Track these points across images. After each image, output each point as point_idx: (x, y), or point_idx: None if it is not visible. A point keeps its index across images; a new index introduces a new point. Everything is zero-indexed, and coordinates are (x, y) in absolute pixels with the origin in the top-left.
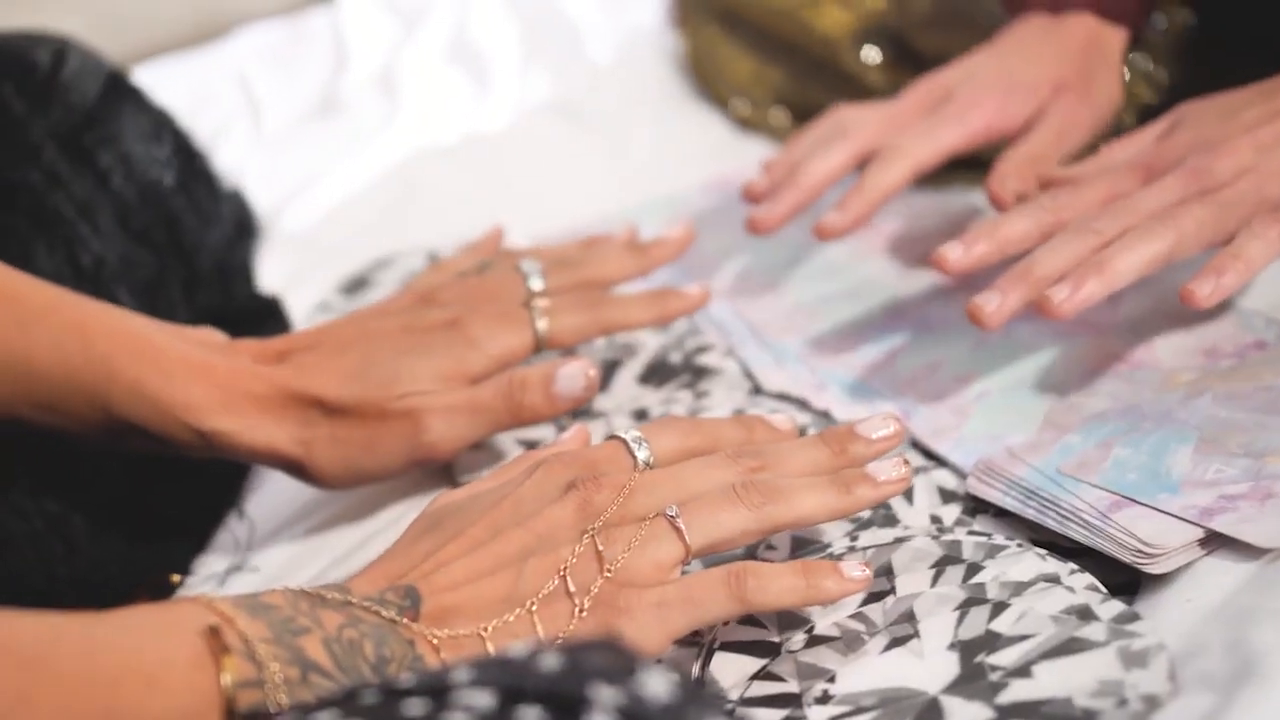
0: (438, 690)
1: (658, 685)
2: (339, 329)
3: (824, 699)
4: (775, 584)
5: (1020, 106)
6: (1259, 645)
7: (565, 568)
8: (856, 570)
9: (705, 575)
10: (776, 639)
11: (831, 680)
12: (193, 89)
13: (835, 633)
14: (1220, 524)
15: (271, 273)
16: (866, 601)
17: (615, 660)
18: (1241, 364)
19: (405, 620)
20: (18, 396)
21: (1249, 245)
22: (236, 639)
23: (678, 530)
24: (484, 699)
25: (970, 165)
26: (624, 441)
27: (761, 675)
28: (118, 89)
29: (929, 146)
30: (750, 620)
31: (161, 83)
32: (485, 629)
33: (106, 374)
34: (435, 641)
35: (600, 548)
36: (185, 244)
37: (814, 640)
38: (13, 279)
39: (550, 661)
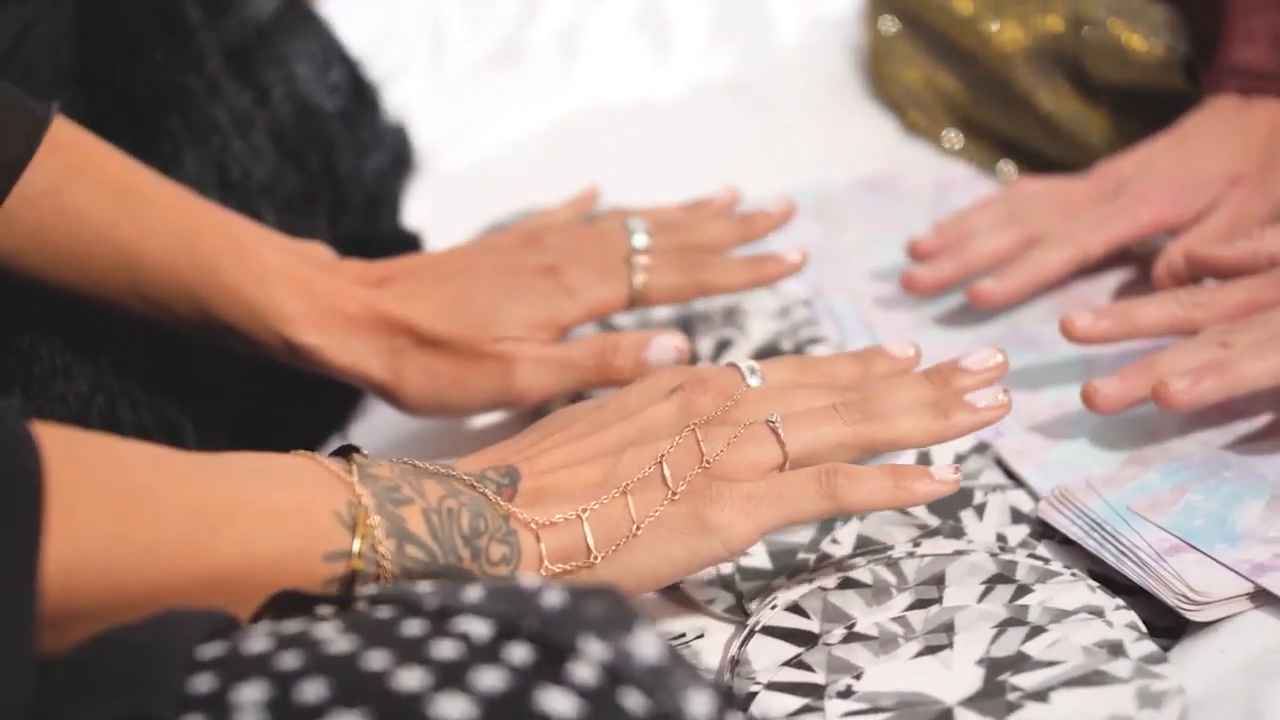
0: (446, 611)
1: (648, 646)
2: (442, 260)
3: (846, 694)
4: (865, 484)
5: (1192, 201)
6: (1272, 705)
7: (663, 456)
8: (948, 472)
9: (797, 473)
10: (817, 630)
11: (858, 677)
12: (381, 22)
13: (874, 632)
14: (1270, 581)
15: (420, 209)
16: (912, 607)
17: (614, 613)
18: None
19: (503, 498)
20: (125, 287)
21: None
22: (343, 504)
23: (777, 435)
24: (480, 629)
25: None
26: (738, 367)
27: (793, 663)
28: (295, 11)
29: (1097, 239)
30: (795, 609)
31: (350, 11)
32: (583, 511)
33: (210, 277)
34: (534, 526)
35: (700, 442)
36: (338, 170)
37: (851, 637)
38: (134, 172)
39: (552, 599)
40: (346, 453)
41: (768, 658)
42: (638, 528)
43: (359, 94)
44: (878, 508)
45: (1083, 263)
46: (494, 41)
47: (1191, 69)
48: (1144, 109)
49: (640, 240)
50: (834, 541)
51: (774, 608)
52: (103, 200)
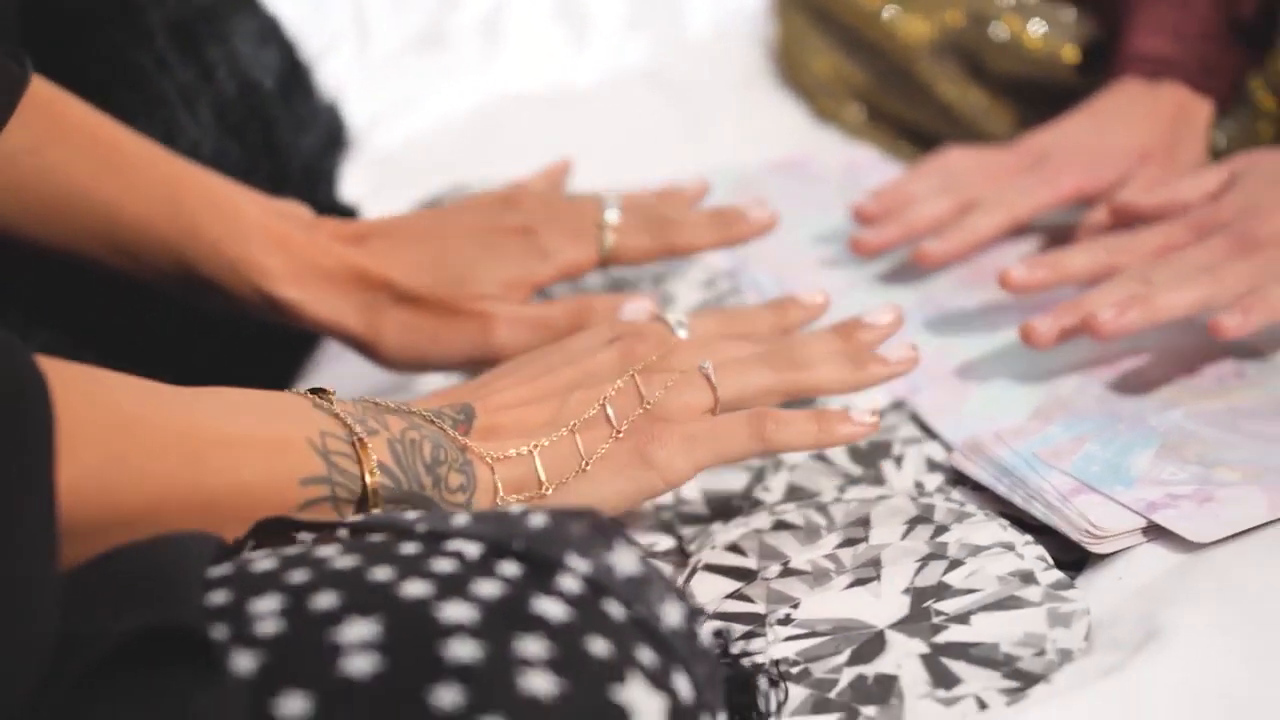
0: (437, 535)
1: (627, 561)
2: (418, 219)
3: (785, 621)
4: (792, 426)
5: (1108, 171)
6: (1166, 621)
7: (606, 398)
8: (866, 415)
9: (731, 416)
10: (754, 567)
11: (795, 607)
12: (307, 5)
13: (808, 568)
14: (1161, 517)
15: (355, 184)
16: (841, 545)
17: (594, 531)
18: (1219, 387)
19: (459, 433)
20: (99, 239)
21: (1276, 294)
22: (317, 434)
23: (709, 381)
24: (471, 549)
25: None
26: (666, 320)
27: (735, 596)
28: None
29: (1025, 204)
30: (734, 549)
31: None
32: (535, 446)
33: (190, 231)
34: (489, 461)
35: (640, 386)
36: (277, 144)
37: (787, 572)
38: (114, 130)
39: (537, 521)
40: (317, 393)
41: (711, 592)
42: (587, 463)
43: (295, 73)
44: (803, 448)
45: (1012, 226)
46: (417, 27)
47: (1085, 63)
48: (1039, 100)
49: (612, 215)
50: (766, 489)
51: (714, 548)
52: (83, 158)
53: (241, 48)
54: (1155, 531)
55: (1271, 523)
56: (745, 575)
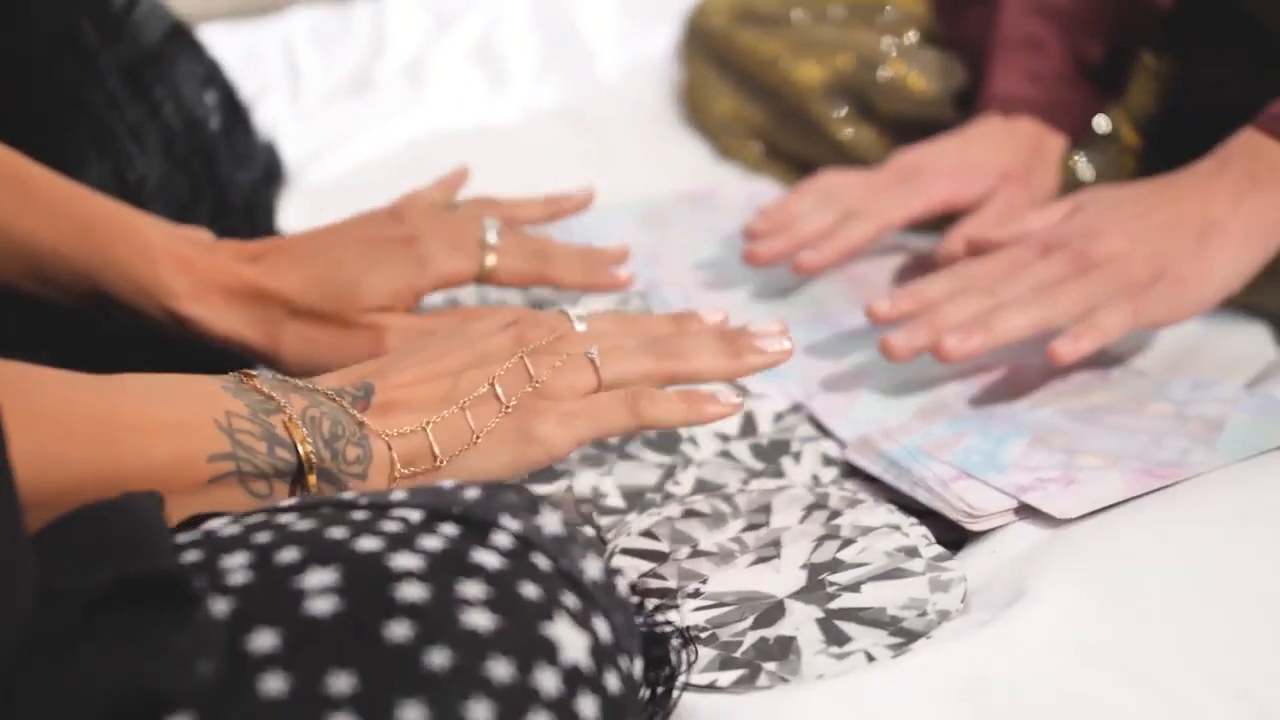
0: (380, 506)
1: (552, 523)
2: (311, 237)
3: (695, 594)
4: (664, 404)
5: (973, 185)
6: (1030, 585)
7: (496, 377)
8: (732, 396)
9: (608, 394)
10: (666, 550)
11: (704, 582)
12: (243, 51)
13: (714, 550)
14: (1030, 497)
15: (293, 217)
16: (745, 530)
17: (523, 499)
18: (1084, 389)
19: (358, 409)
20: (19, 270)
21: (1106, 319)
22: (223, 414)
23: (594, 365)
24: (414, 514)
25: None
26: (567, 314)
27: (649, 575)
28: (179, 37)
29: (897, 212)
30: (647, 534)
31: (217, 41)
32: (427, 423)
33: (100, 257)
34: (385, 437)
35: (528, 366)
36: (218, 178)
37: (696, 554)
38: (30, 169)
39: (471, 492)
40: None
41: (627, 573)
42: (477, 437)
43: (234, 113)
44: (675, 425)
45: (885, 231)
46: (345, 73)
47: (960, 103)
48: (919, 136)
49: (492, 236)
50: (676, 484)
51: (629, 535)
52: (2, 194)
53: (186, 89)
54: (1026, 511)
55: (1125, 501)
56: (658, 557)
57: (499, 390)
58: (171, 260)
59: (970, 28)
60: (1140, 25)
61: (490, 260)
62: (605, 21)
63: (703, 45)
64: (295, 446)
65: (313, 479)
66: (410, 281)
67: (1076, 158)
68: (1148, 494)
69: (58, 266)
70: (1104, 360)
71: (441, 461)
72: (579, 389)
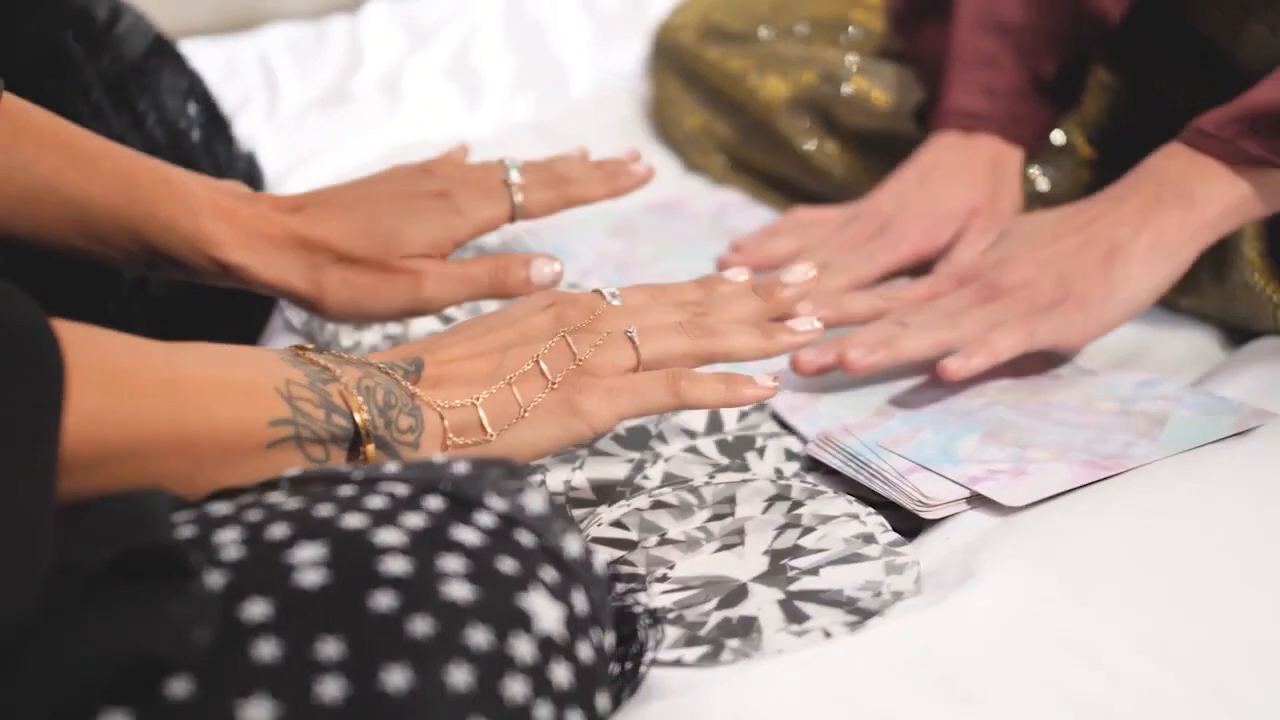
0: (370, 480)
1: (536, 500)
2: (347, 189)
3: (662, 579)
4: (704, 385)
5: (942, 234)
6: (979, 566)
7: (540, 355)
8: (768, 380)
9: (650, 374)
10: (636, 538)
11: (671, 568)
12: (222, 65)
13: (681, 538)
14: (981, 487)
15: None
16: (711, 520)
17: (509, 477)
18: (1036, 387)
19: (409, 382)
20: (72, 228)
21: (998, 339)
22: (283, 382)
23: (633, 343)
24: (401, 489)
25: None
26: (601, 292)
27: (619, 561)
28: (161, 50)
29: (869, 269)
30: (617, 524)
31: (196, 55)
32: (477, 399)
33: (147, 211)
34: (437, 408)
35: (571, 345)
36: None
37: (664, 542)
38: (71, 131)
39: (460, 468)
40: (298, 349)
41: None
42: (524, 411)
43: (215, 125)
44: (713, 405)
45: (858, 287)
46: (323, 86)
47: (919, 117)
48: (881, 149)
49: (514, 175)
50: (645, 478)
51: (600, 525)
52: (48, 155)
53: (168, 101)
54: (978, 500)
55: (1071, 490)
56: (628, 545)
57: (544, 367)
58: (214, 210)
59: (928, 44)
60: (1091, 40)
61: (519, 198)
62: (577, 38)
63: (671, 62)
64: (352, 415)
65: (370, 447)
66: (448, 231)
67: (1033, 170)
68: (1093, 483)
69: (106, 222)
70: (1056, 362)
71: (492, 434)
72: (620, 366)
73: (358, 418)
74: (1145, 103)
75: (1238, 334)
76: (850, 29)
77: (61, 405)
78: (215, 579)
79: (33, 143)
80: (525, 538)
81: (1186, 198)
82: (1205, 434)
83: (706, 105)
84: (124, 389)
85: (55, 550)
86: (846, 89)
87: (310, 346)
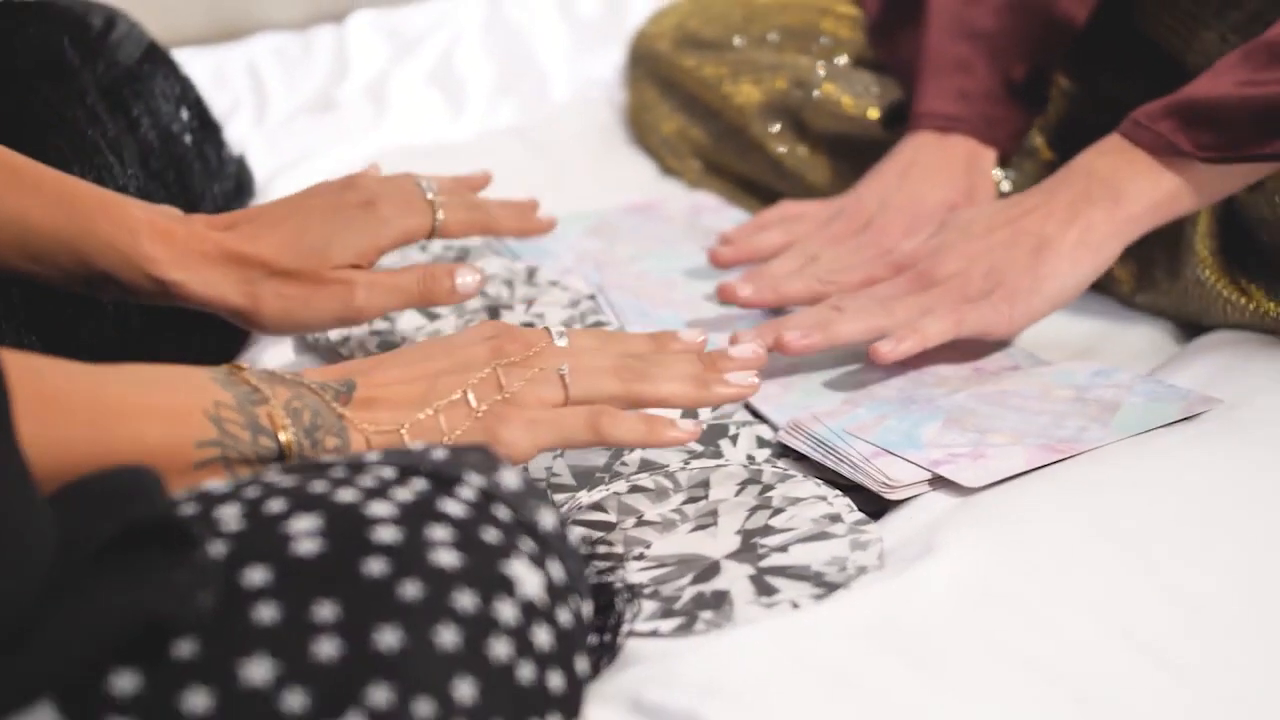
0: (356, 465)
1: (511, 479)
2: (276, 205)
3: (639, 558)
4: (625, 424)
5: (922, 229)
6: (938, 542)
7: (469, 385)
8: (689, 425)
9: (574, 409)
10: (614, 520)
11: (648, 547)
12: (212, 73)
13: (657, 520)
14: (943, 470)
15: None
16: (686, 503)
17: (485, 459)
18: (996, 377)
19: (340, 403)
20: (14, 250)
21: (928, 325)
22: (211, 404)
23: (563, 380)
24: (388, 471)
25: None
26: (549, 330)
27: (598, 542)
28: (154, 56)
29: (857, 263)
30: (596, 507)
31: (186, 63)
32: (404, 426)
33: (87, 232)
34: (364, 430)
35: (501, 377)
36: (192, 190)
37: (641, 523)
38: (13, 156)
39: (439, 453)
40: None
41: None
42: (448, 438)
43: (207, 129)
44: (633, 445)
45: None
46: (310, 93)
47: (889, 121)
48: (851, 153)
49: (430, 192)
50: (623, 464)
51: (579, 508)
52: None
53: (162, 106)
54: (939, 482)
55: (1027, 472)
56: (606, 527)
57: (470, 397)
58: (152, 231)
59: (904, 52)
60: (1059, 45)
61: (441, 215)
62: (557, 46)
63: (648, 69)
64: (277, 435)
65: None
66: (374, 241)
67: (997, 172)
68: (1047, 465)
69: (47, 242)
70: (1016, 353)
71: None
72: (547, 401)
73: (282, 438)
74: (1101, 107)
75: (1191, 328)
76: (821, 38)
77: (12, 424)
78: (217, 548)
79: None
80: (502, 512)
81: (1114, 194)
82: (1155, 419)
83: (682, 111)
84: (53, 414)
85: (57, 527)
86: (817, 94)
87: (244, 367)
